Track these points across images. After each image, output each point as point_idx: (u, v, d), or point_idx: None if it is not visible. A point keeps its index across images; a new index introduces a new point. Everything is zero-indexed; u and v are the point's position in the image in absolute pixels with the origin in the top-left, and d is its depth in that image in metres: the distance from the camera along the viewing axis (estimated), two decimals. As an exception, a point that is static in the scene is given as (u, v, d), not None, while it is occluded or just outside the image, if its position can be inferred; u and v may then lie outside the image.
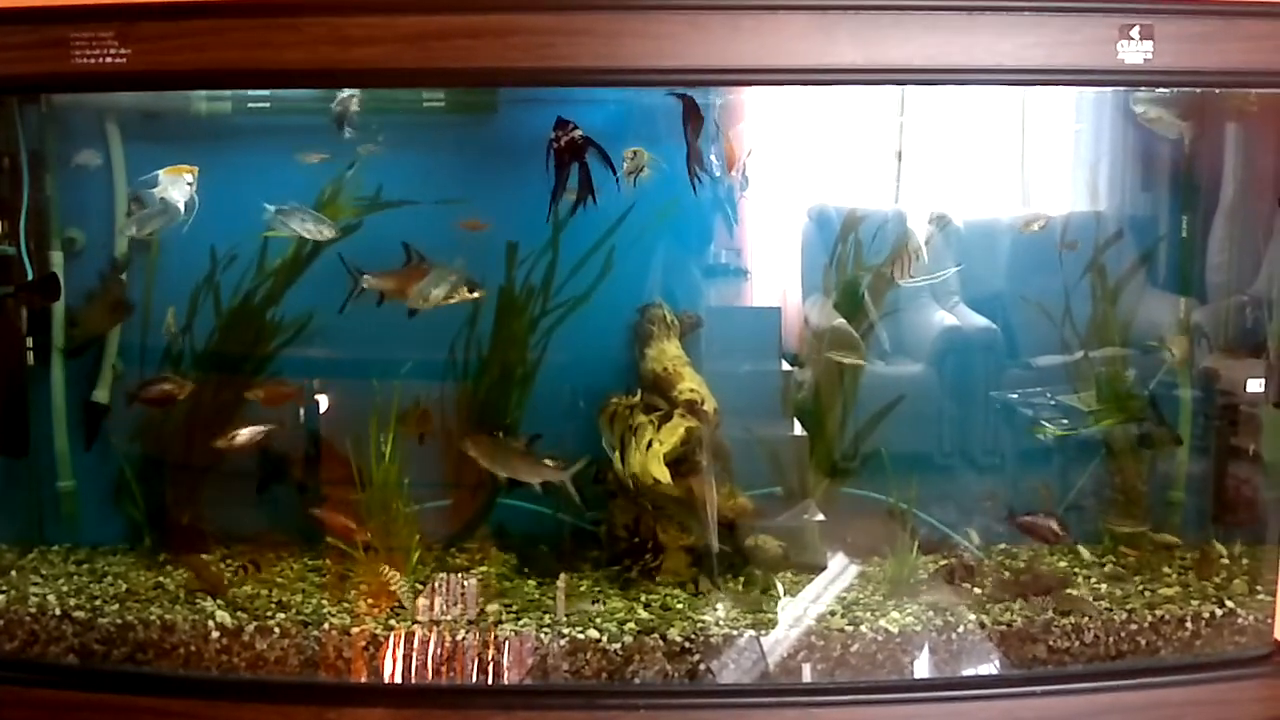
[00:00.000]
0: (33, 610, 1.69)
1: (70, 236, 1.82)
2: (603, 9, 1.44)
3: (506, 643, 1.63)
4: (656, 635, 1.62)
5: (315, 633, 1.64)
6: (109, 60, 1.48)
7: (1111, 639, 1.68)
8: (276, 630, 1.64)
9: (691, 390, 1.84)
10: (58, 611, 1.68)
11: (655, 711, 1.58)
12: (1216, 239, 1.91)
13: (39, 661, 1.68)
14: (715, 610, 1.71)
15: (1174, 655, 1.69)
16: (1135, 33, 1.49)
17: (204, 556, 1.80)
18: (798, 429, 1.94)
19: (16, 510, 1.88)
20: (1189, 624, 1.69)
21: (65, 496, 1.88)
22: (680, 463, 1.82)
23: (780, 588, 1.77)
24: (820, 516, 1.88)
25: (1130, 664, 1.68)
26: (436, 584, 1.76)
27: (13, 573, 1.79)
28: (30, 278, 1.71)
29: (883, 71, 1.50)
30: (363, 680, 1.64)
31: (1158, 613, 1.71)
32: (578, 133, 1.68)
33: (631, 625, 1.66)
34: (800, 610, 1.72)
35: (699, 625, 1.65)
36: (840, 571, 1.82)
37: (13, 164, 1.69)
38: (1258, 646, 1.71)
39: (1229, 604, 1.72)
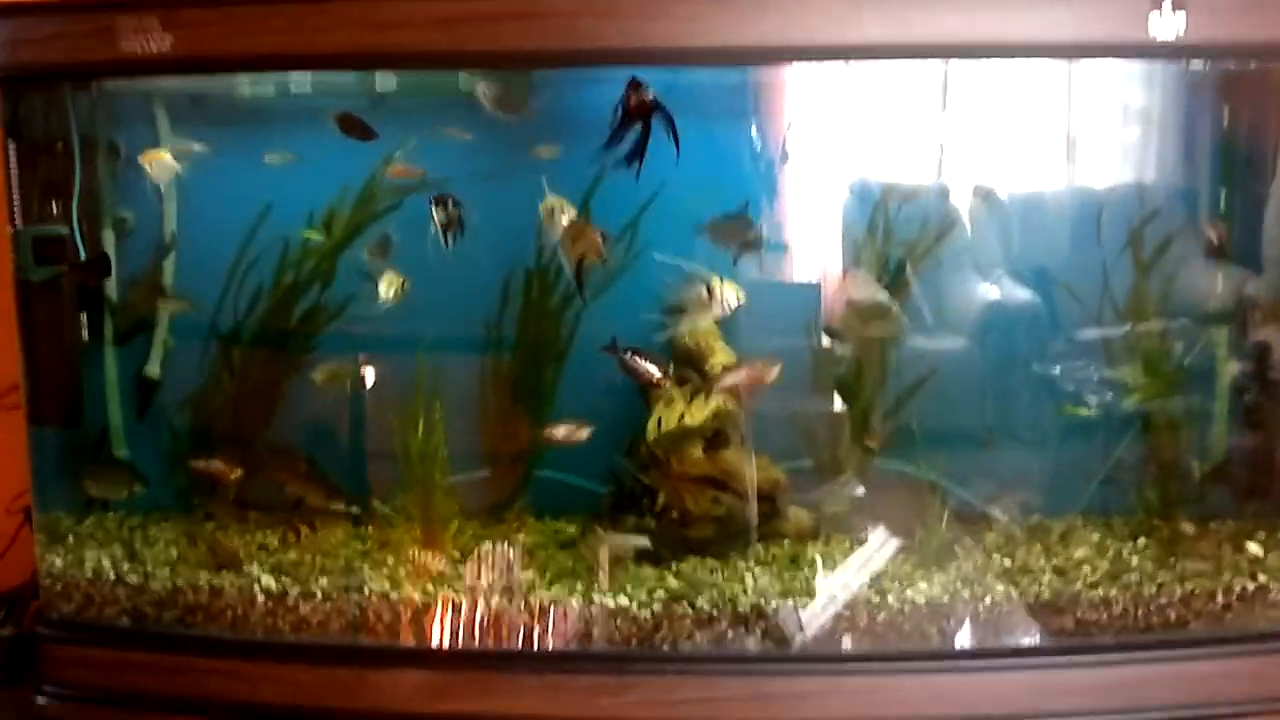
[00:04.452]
0: (88, 574, 1.77)
1: (121, 217, 1.87)
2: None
3: (539, 609, 1.68)
4: (685, 604, 1.66)
5: (356, 598, 1.70)
6: (154, 47, 1.54)
7: (1140, 611, 1.69)
8: (319, 595, 1.71)
9: (723, 365, 1.87)
10: (112, 575, 1.76)
11: (683, 678, 1.62)
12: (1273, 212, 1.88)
13: (94, 623, 1.76)
14: (745, 581, 1.73)
15: (1204, 629, 1.69)
16: (1167, 4, 1.48)
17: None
18: (836, 404, 1.95)
19: (75, 479, 1.95)
20: (1219, 597, 1.69)
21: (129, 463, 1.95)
22: (713, 437, 1.85)
23: (819, 560, 1.79)
24: (860, 490, 1.89)
25: (1159, 636, 1.69)
26: (478, 552, 1.81)
27: (69, 537, 1.86)
28: (83, 257, 1.77)
29: (910, 47, 1.51)
30: (400, 644, 1.70)
31: (1187, 586, 1.71)
32: (651, 95, 1.65)
33: (661, 593, 1.69)
34: (832, 582, 1.74)
35: (729, 595, 1.68)
36: (877, 545, 1.83)
37: (65, 148, 1.75)
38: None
39: (1262, 578, 1.72)
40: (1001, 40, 1.51)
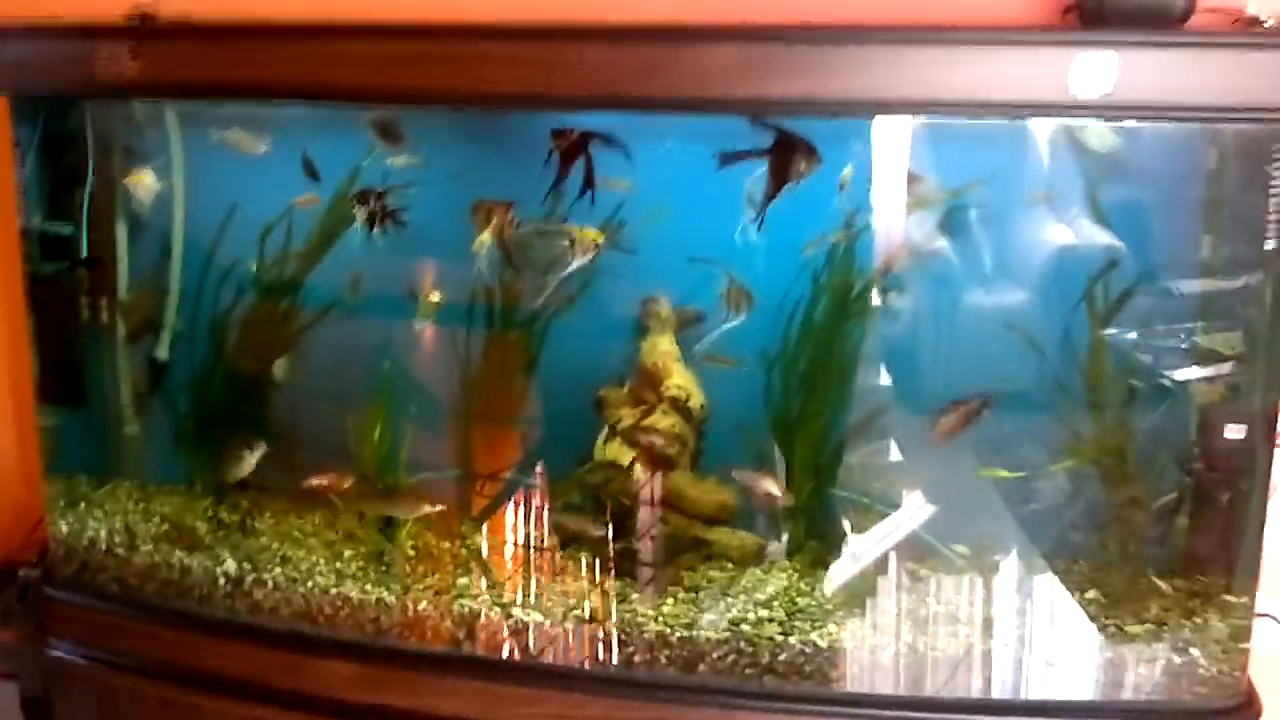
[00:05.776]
0: (85, 543, 1.97)
1: (134, 213, 2.02)
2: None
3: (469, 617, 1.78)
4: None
5: (301, 589, 1.84)
6: (125, 72, 1.67)
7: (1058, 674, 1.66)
8: (270, 583, 1.86)
9: (678, 386, 1.91)
10: (103, 547, 1.96)
11: (591, 696, 1.70)
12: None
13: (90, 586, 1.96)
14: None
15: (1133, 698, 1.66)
16: (1089, 65, 1.42)
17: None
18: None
19: (95, 452, 2.14)
20: (1142, 668, 1.65)
21: (131, 441, 2.13)
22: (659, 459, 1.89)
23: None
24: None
25: (1082, 702, 1.67)
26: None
27: (81, 505, 2.05)
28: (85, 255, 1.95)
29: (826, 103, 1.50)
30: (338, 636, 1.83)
31: (1119, 650, 1.67)
32: (575, 134, 1.73)
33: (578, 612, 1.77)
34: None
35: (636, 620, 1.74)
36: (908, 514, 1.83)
37: (74, 158, 1.91)
38: (1223, 697, 1.65)
39: (1193, 652, 1.66)
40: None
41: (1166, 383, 1.69)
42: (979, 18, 1.74)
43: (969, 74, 1.45)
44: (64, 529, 2.00)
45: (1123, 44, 1.42)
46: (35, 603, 2.09)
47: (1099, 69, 1.43)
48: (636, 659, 1.72)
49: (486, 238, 1.74)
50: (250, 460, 1.95)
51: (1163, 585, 1.74)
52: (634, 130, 1.71)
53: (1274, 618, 1.90)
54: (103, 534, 1.99)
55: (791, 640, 1.69)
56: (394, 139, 1.77)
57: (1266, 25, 1.55)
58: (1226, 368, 1.66)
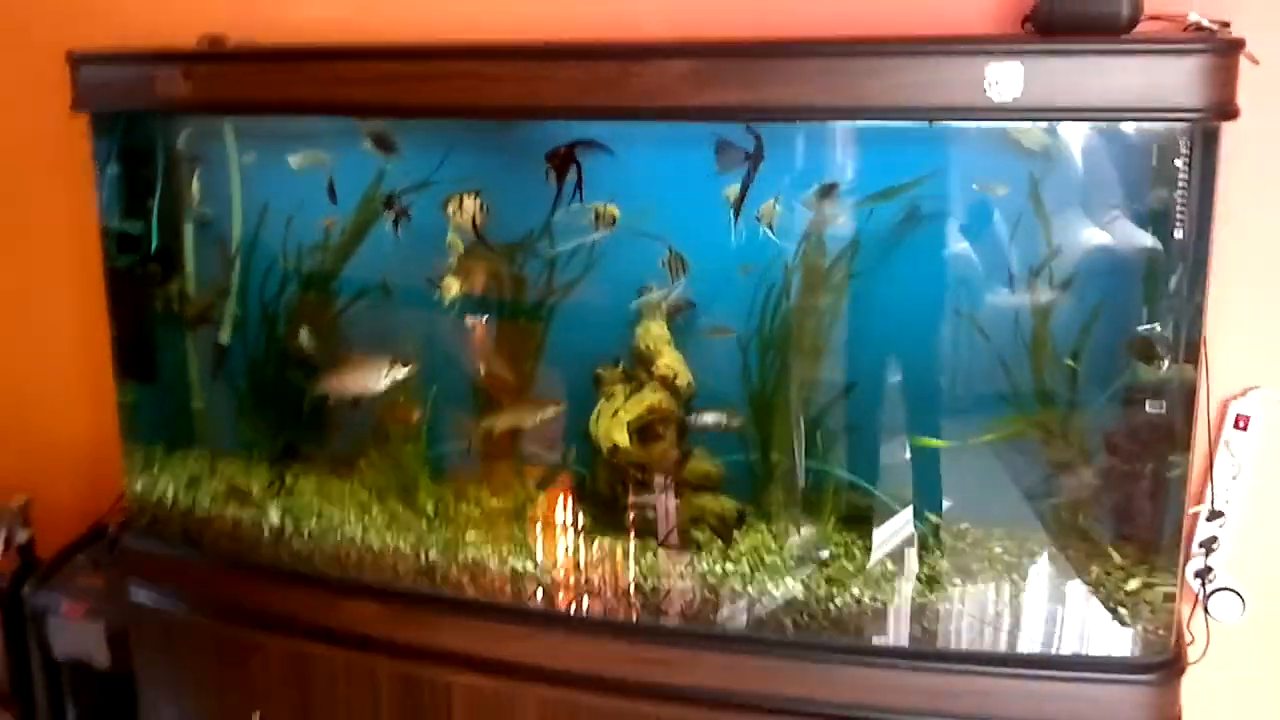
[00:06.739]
0: (156, 500, 2.28)
1: (203, 213, 2.31)
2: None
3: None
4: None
5: (334, 539, 2.11)
6: (179, 92, 1.95)
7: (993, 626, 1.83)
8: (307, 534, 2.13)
9: (667, 366, 2.11)
10: (171, 503, 2.26)
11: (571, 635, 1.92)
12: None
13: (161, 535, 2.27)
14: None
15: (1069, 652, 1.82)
16: (1005, 71, 1.58)
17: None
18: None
19: (165, 423, 2.44)
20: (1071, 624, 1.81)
21: (198, 414, 2.43)
22: (647, 431, 2.11)
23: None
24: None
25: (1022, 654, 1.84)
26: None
27: (155, 468, 2.36)
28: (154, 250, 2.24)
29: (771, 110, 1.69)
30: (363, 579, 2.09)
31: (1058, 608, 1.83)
32: (562, 149, 1.95)
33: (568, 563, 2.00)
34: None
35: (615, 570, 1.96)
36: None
37: (145, 166, 2.21)
38: (1149, 654, 1.79)
39: (1121, 610, 1.80)
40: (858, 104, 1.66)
41: (1095, 365, 1.85)
42: (941, 28, 1.92)
43: (895, 81, 1.62)
44: (139, 488, 2.30)
45: (1036, 52, 1.58)
46: (118, 553, 2.41)
47: (1014, 75, 1.59)
48: (616, 605, 1.93)
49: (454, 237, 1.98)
50: (389, 376, 2.13)
51: (1110, 551, 1.89)
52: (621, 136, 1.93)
53: (1236, 591, 2.04)
54: (171, 492, 2.28)
55: (750, 590, 1.89)
56: (387, 148, 2.01)
57: (1213, 31, 1.70)
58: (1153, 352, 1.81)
